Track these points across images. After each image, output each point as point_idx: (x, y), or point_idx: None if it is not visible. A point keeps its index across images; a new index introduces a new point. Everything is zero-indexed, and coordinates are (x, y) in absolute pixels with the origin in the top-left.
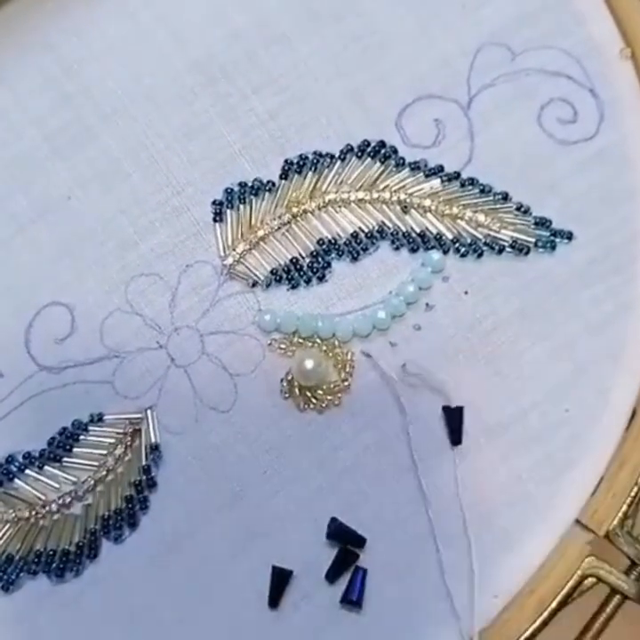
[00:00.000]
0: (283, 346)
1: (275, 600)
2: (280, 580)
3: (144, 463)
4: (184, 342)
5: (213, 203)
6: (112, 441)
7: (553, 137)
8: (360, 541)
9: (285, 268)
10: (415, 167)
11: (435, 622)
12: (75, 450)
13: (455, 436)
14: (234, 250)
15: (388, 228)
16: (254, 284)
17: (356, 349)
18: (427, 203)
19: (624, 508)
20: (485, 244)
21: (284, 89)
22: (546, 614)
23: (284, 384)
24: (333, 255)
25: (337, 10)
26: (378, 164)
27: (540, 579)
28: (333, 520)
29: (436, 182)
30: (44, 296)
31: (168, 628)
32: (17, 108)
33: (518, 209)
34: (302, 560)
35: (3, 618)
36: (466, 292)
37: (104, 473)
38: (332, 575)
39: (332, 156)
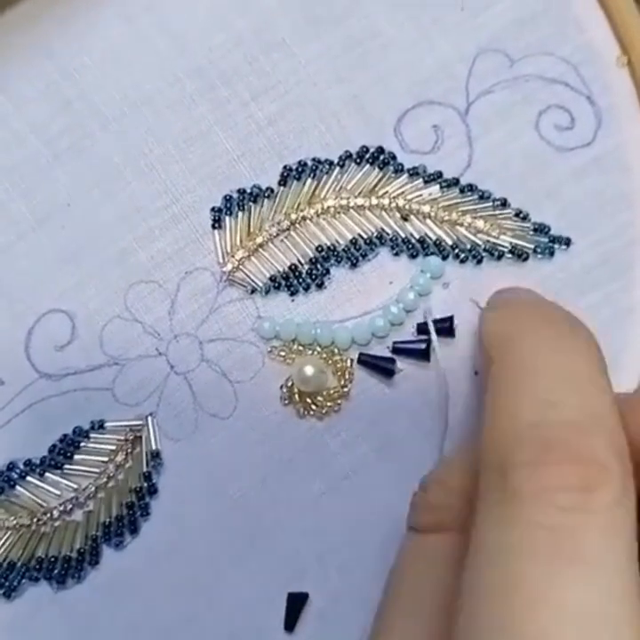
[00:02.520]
0: (282, 353)
1: (291, 624)
2: (296, 604)
3: (145, 470)
4: (183, 349)
5: (212, 209)
6: (113, 448)
7: (551, 143)
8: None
9: (284, 275)
10: (414, 173)
11: None
12: (76, 457)
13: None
14: (233, 256)
15: (388, 234)
16: (253, 291)
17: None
18: (426, 209)
19: None
20: (485, 249)
21: (282, 95)
22: None
23: (284, 391)
24: (332, 262)
25: (336, 15)
26: (377, 170)
27: None
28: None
29: (434, 188)
30: (45, 303)
31: (169, 634)
32: (17, 114)
33: (517, 215)
34: (301, 566)
35: (5, 624)
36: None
37: (105, 480)
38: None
39: (331, 163)
